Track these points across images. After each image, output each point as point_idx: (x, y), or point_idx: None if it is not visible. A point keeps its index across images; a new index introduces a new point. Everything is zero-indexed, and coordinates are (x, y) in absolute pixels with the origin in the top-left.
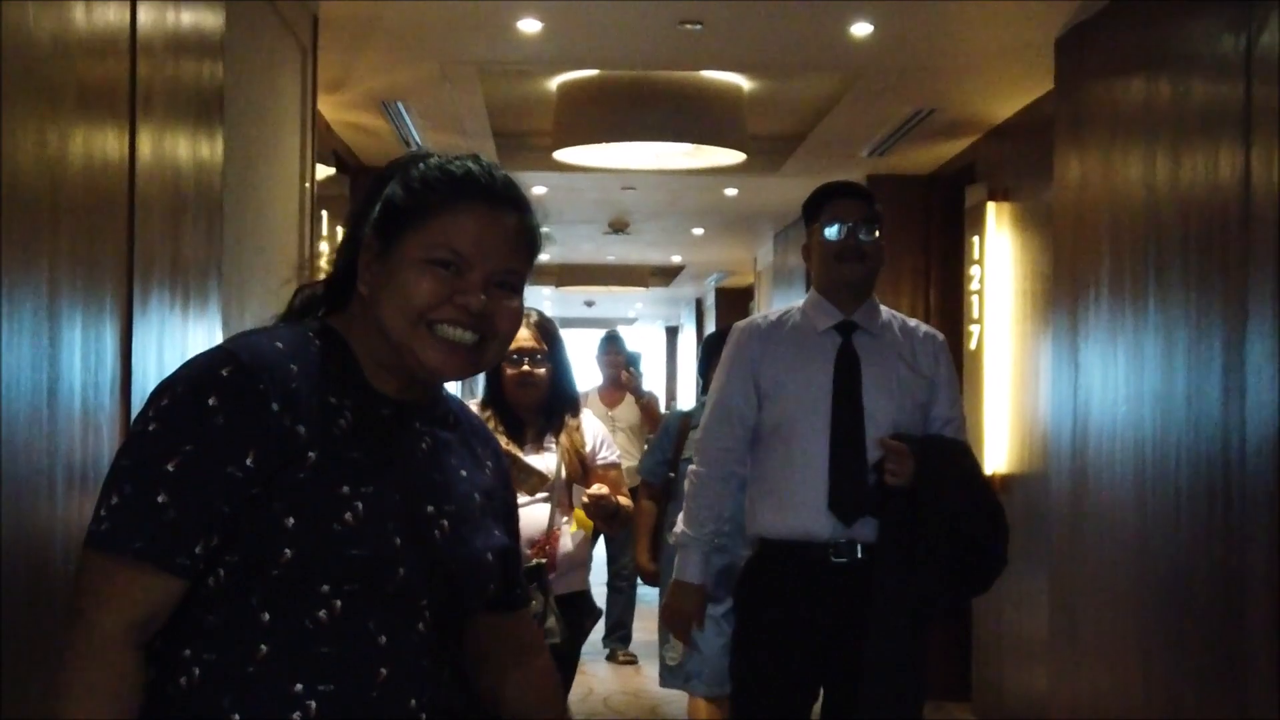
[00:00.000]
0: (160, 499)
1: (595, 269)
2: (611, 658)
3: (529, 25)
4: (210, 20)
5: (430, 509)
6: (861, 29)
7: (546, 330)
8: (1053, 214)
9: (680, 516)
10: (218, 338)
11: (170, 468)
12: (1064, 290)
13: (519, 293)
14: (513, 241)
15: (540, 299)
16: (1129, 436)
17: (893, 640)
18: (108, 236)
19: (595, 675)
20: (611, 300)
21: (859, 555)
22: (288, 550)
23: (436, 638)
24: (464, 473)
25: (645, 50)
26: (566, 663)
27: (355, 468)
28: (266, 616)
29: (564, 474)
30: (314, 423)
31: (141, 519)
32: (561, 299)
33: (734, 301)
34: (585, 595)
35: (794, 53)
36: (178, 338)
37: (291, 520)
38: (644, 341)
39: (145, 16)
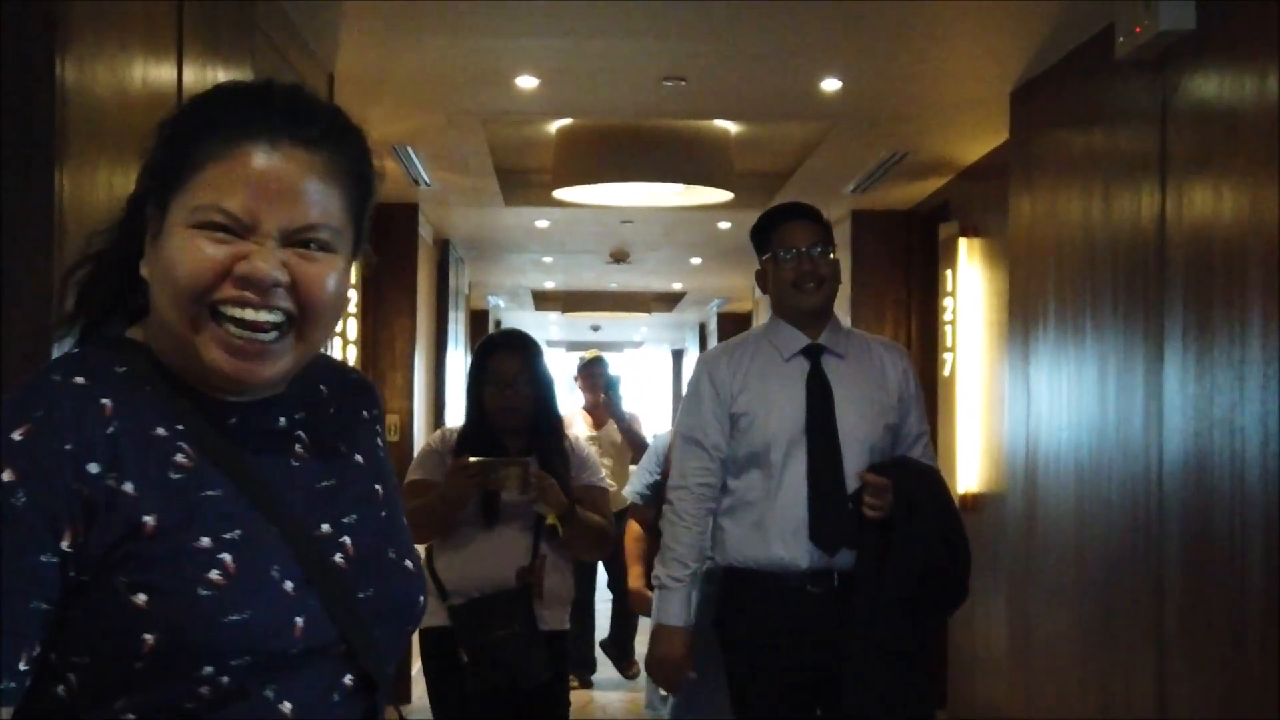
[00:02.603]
0: None
1: (600, 295)
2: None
3: (526, 81)
4: (241, 78)
5: (326, 528)
6: (831, 84)
7: (527, 349)
8: (1008, 251)
9: (658, 558)
10: None
11: None
12: (1017, 321)
13: (335, 251)
14: (312, 185)
15: (547, 324)
16: (1070, 459)
17: (873, 673)
18: None
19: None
20: (617, 325)
21: (835, 584)
22: (147, 636)
23: (367, 692)
24: (358, 458)
25: (633, 103)
26: (555, 702)
27: (213, 511)
28: (131, 718)
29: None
30: (146, 474)
31: None
32: (569, 324)
33: (736, 326)
34: (561, 635)
35: (770, 105)
36: None
37: (144, 598)
38: (650, 364)
39: (189, 75)
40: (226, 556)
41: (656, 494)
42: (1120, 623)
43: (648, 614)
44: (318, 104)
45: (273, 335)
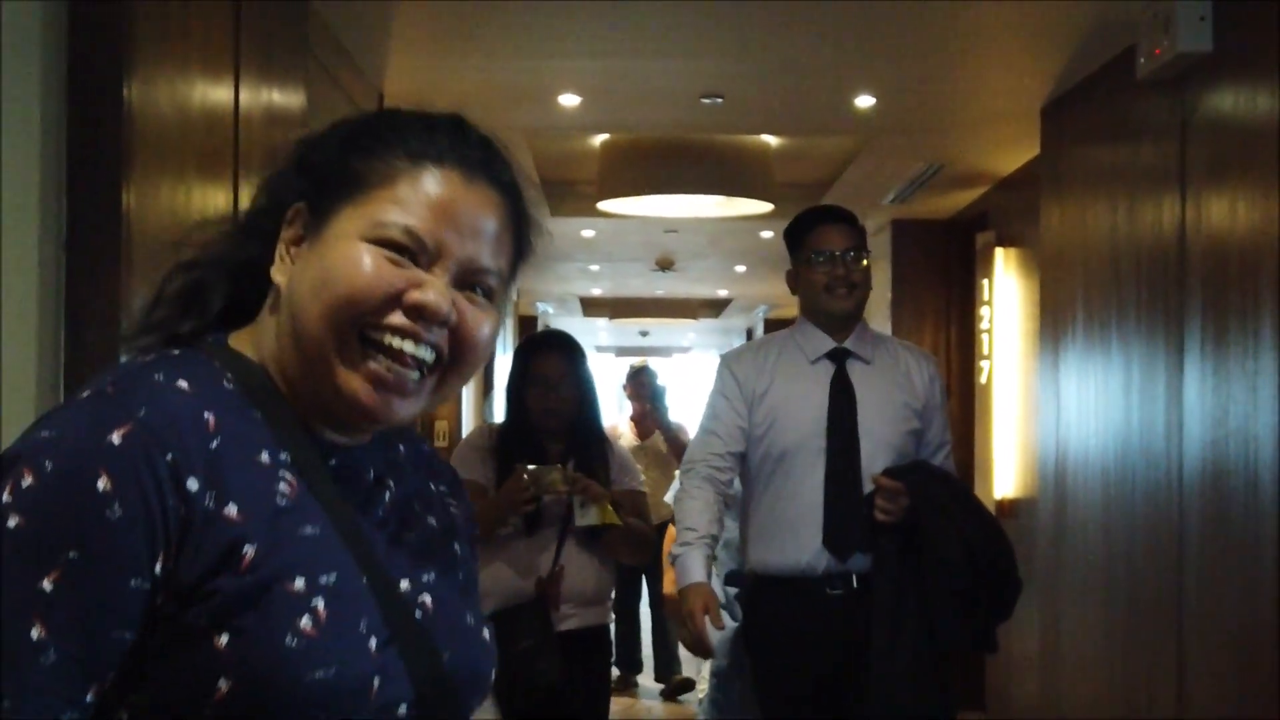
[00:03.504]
0: (35, 634)
1: (647, 302)
2: (667, 694)
3: (569, 100)
4: (294, 99)
5: (405, 585)
6: (865, 101)
7: (571, 351)
8: (1040, 261)
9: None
10: None
11: (47, 586)
12: (1048, 330)
13: (495, 302)
14: (495, 228)
15: (596, 329)
16: (1097, 465)
17: (896, 676)
18: None
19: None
20: (665, 330)
21: (854, 585)
22: (222, 683)
23: None
24: (432, 520)
25: (672, 119)
26: (581, 701)
27: (310, 550)
28: None
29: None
30: (248, 498)
31: (12, 666)
32: (617, 330)
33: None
34: (600, 631)
35: (806, 121)
36: None
37: (225, 639)
38: (699, 368)
39: (245, 96)
40: (319, 603)
41: None
42: (1143, 625)
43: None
44: (506, 151)
45: (417, 374)
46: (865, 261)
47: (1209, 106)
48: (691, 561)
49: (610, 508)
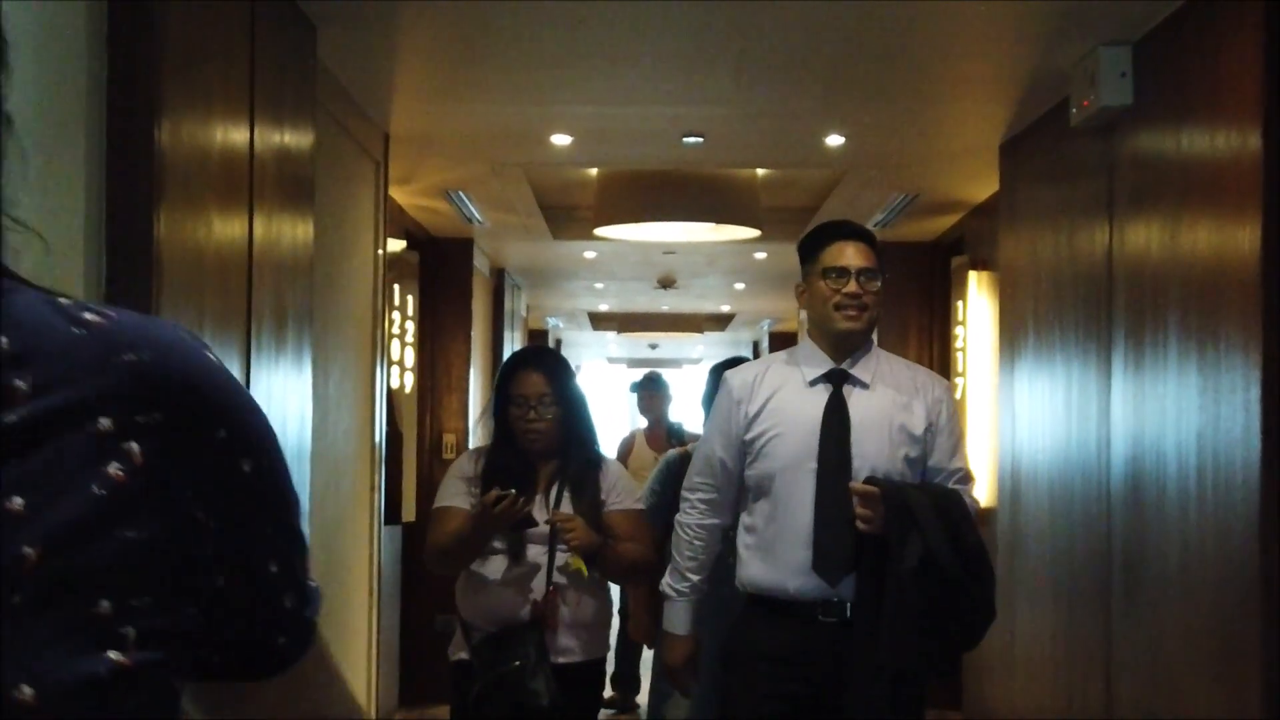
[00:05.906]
0: None
1: (653, 317)
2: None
3: (561, 139)
4: (304, 139)
5: None
6: (834, 140)
7: (555, 368)
8: (999, 286)
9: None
10: (307, 373)
11: None
12: (1006, 350)
13: None
14: None
15: (606, 342)
16: (1044, 477)
17: (869, 700)
18: (233, 296)
19: None
20: (674, 343)
21: (848, 614)
22: None
23: None
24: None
25: (657, 157)
26: None
27: None
28: None
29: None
30: None
31: None
32: (628, 342)
33: (787, 343)
34: (594, 665)
35: (780, 158)
36: (280, 373)
37: None
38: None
39: (260, 137)
40: None
41: (654, 515)
42: (1078, 628)
43: (645, 641)
44: None
45: None
46: (879, 283)
47: (1130, 149)
48: (678, 613)
49: (579, 560)
